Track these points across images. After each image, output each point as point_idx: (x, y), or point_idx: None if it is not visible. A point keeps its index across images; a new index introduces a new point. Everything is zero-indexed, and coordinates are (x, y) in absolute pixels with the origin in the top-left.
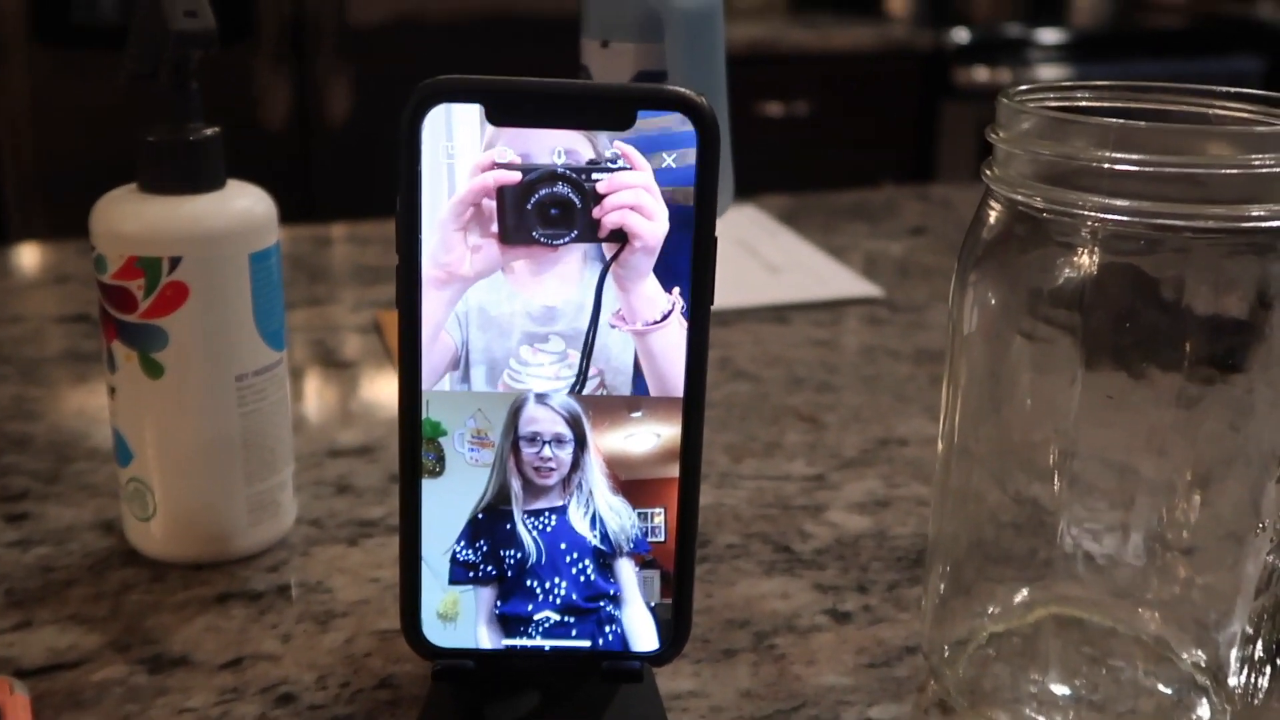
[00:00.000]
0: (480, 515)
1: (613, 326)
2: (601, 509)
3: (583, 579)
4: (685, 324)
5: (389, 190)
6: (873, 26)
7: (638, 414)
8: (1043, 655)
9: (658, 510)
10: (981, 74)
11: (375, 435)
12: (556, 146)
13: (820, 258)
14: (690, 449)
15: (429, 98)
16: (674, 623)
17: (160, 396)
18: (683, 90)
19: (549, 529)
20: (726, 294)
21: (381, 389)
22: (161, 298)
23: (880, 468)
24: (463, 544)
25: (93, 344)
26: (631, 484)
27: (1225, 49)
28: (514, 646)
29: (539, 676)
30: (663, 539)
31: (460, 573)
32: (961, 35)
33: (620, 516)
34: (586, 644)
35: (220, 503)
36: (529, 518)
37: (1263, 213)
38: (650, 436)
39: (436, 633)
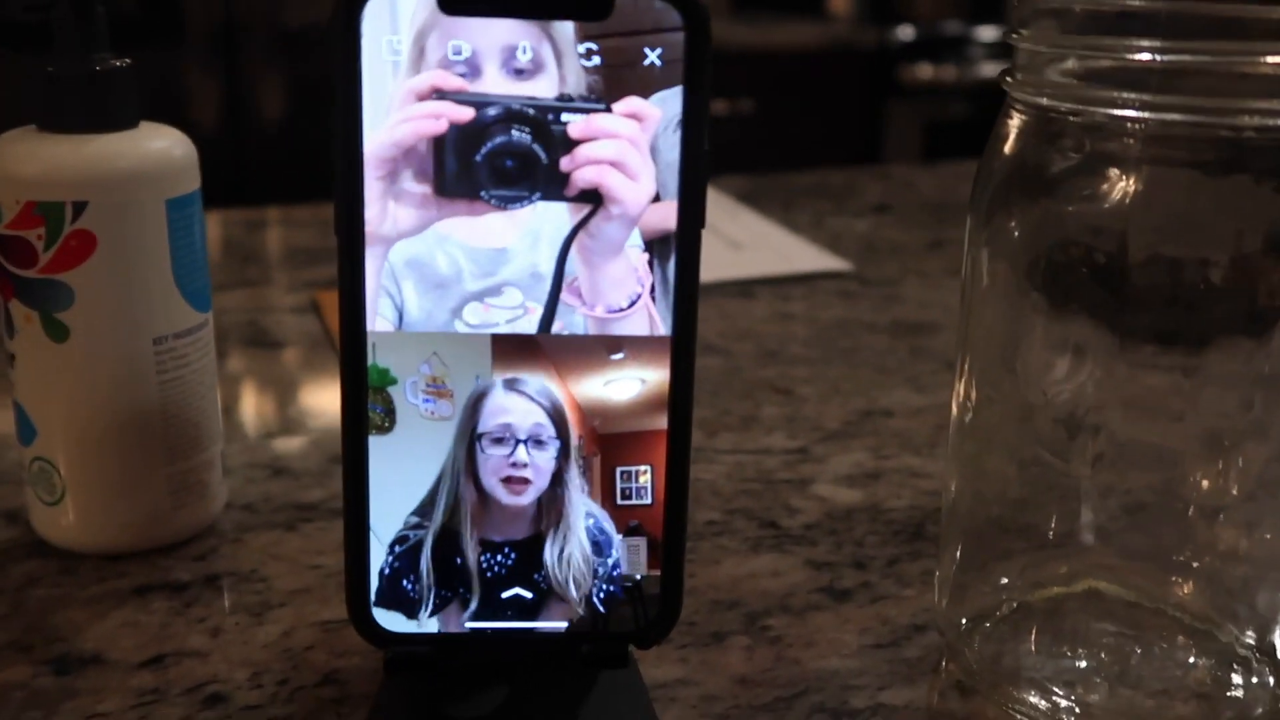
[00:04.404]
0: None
1: (565, 304)
2: (576, 555)
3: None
4: (654, 312)
5: (323, 181)
6: (816, 25)
7: (619, 356)
8: (1069, 630)
9: (643, 468)
10: (926, 71)
11: (314, 417)
12: (522, 42)
13: (783, 234)
14: (681, 394)
15: None
16: (663, 597)
17: (66, 362)
18: None
19: (504, 569)
20: None
21: (320, 370)
22: (65, 249)
23: (866, 439)
24: (397, 564)
25: None
26: (611, 438)
27: None
28: (478, 629)
29: (506, 664)
30: (649, 501)
31: (390, 594)
32: (906, 33)
33: (595, 564)
34: (562, 625)
35: (137, 484)
36: (486, 554)
37: None
38: (634, 382)
39: (390, 617)
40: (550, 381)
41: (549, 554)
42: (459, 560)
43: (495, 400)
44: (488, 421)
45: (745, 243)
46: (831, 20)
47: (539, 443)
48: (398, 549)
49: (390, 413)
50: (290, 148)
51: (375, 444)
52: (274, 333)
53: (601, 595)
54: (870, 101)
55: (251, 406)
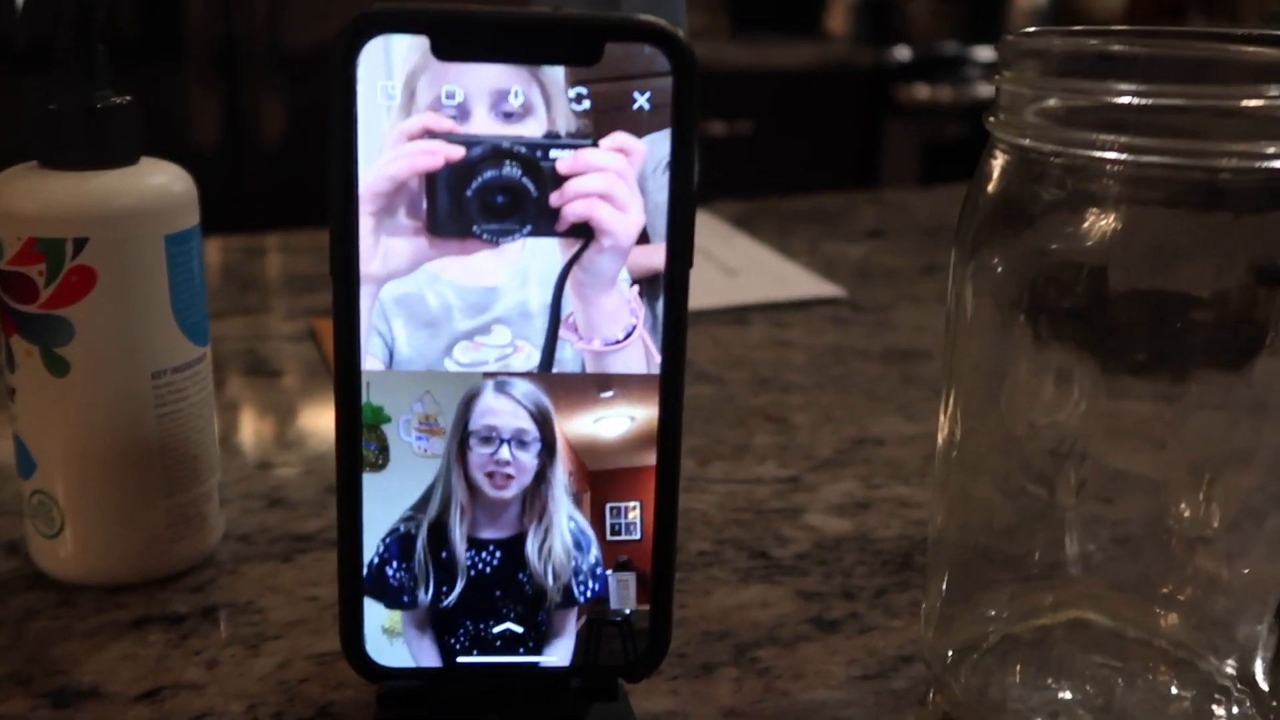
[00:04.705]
0: (427, 534)
1: (561, 339)
2: (556, 548)
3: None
4: (649, 342)
5: (323, 206)
6: (814, 45)
7: (609, 394)
8: (1054, 661)
9: (632, 504)
10: (922, 91)
11: (310, 446)
12: (514, 86)
13: (778, 260)
14: (669, 431)
15: (366, 29)
16: (653, 631)
17: (66, 396)
18: (655, 20)
19: (489, 567)
20: None
21: (317, 399)
22: (65, 285)
23: (857, 468)
24: (388, 554)
25: None
26: (601, 475)
27: None
28: (470, 664)
29: (499, 697)
30: (639, 537)
31: (376, 583)
32: (902, 53)
33: (571, 559)
34: (554, 660)
35: (136, 516)
36: (471, 550)
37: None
38: (623, 420)
39: (382, 651)
40: (539, 385)
41: (530, 545)
42: (445, 555)
43: (485, 401)
44: (476, 421)
45: (740, 268)
46: (829, 41)
47: (522, 443)
48: (389, 539)
49: (384, 450)
50: (291, 170)
51: (369, 481)
52: (272, 361)
53: (581, 589)
54: (867, 121)
55: (249, 436)
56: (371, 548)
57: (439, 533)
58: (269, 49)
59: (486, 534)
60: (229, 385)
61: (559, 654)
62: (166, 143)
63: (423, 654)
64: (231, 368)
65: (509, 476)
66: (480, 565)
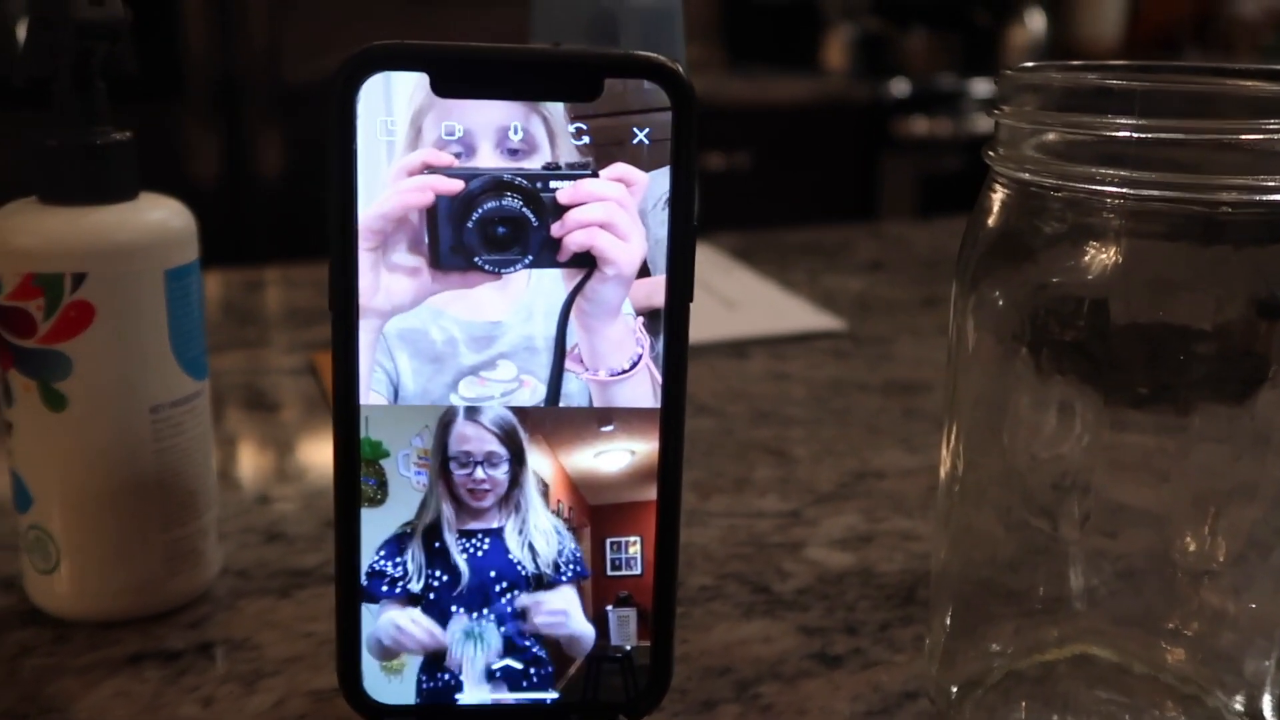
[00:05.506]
0: (420, 534)
1: (567, 371)
2: (533, 534)
3: (511, 610)
4: (655, 372)
5: (323, 239)
6: (811, 79)
7: (609, 428)
8: (1059, 697)
9: (633, 539)
10: (920, 125)
11: (309, 481)
12: (514, 123)
13: (777, 292)
14: (669, 466)
15: (365, 65)
16: (653, 667)
17: (64, 431)
18: (655, 55)
19: (480, 553)
20: None
21: (316, 433)
22: (64, 319)
23: (859, 501)
24: (383, 554)
25: None
26: (602, 509)
27: None
28: (470, 701)
29: None
30: (639, 572)
31: (375, 585)
32: (900, 87)
33: (551, 543)
34: (553, 695)
35: (133, 551)
36: (461, 538)
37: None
38: (623, 454)
39: (380, 688)
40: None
41: (509, 533)
42: (438, 545)
43: (458, 429)
44: (453, 447)
45: (739, 301)
46: (826, 75)
47: (493, 464)
48: (385, 546)
49: (383, 485)
50: (291, 204)
51: (368, 516)
52: (271, 395)
53: (569, 567)
54: (865, 155)
55: (247, 470)
56: (367, 563)
57: (431, 534)
58: (269, 83)
59: (471, 526)
60: (228, 419)
61: (559, 691)
62: (167, 177)
63: (422, 692)
64: (230, 401)
65: (486, 490)
66: (471, 550)
